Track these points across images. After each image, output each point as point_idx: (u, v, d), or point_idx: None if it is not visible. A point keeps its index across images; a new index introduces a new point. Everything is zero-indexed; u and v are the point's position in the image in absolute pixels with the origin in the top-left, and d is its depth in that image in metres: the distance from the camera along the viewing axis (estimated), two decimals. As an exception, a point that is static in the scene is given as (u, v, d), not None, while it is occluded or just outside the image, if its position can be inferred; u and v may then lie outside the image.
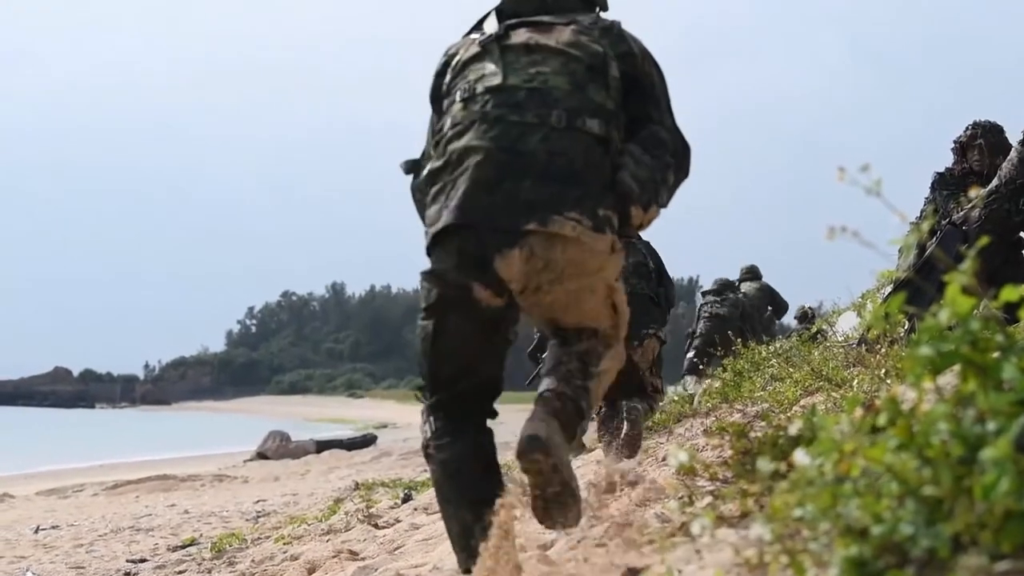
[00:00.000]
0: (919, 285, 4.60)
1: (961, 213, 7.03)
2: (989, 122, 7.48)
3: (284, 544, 9.11)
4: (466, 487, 3.62)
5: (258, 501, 17.57)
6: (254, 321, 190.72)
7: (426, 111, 3.94)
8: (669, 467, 5.11)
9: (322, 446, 36.27)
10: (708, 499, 2.88)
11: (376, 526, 8.63)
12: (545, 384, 3.56)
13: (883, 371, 5.22)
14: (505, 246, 3.36)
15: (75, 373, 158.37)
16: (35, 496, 24.05)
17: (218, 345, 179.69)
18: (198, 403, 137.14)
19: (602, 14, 3.91)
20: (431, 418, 3.72)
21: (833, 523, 1.66)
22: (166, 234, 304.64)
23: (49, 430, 69.49)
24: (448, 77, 3.80)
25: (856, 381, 5.46)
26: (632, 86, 3.70)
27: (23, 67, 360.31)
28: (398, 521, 8.64)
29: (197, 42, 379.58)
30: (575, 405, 3.47)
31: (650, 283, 8.36)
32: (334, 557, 7.04)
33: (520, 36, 3.71)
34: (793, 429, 2.17)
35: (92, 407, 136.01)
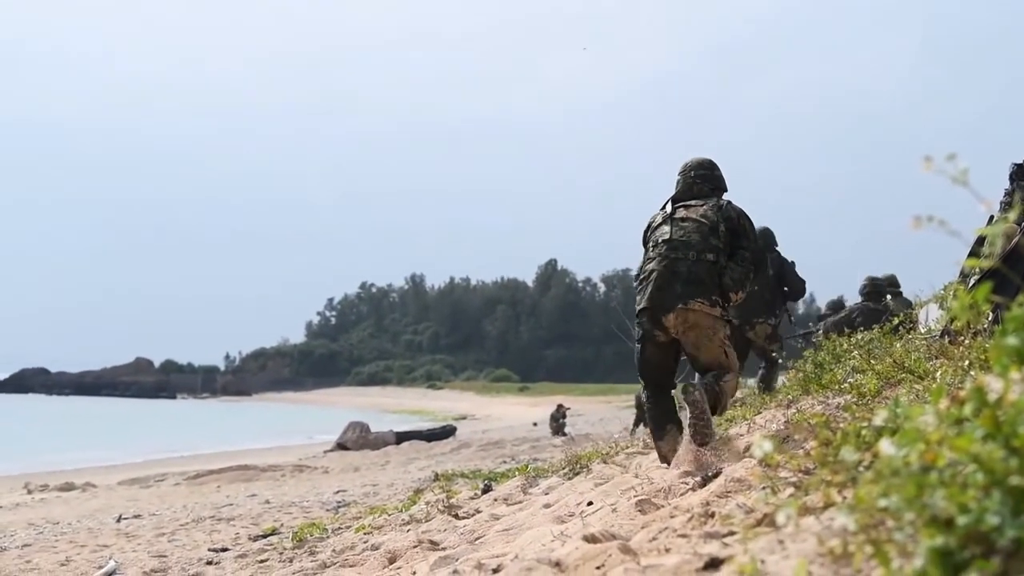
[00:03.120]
0: (1005, 275, 4.55)
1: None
2: None
3: (365, 534, 9.17)
4: (661, 423, 7.54)
5: (338, 491, 17.67)
6: (334, 313, 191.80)
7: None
8: (751, 458, 5.09)
9: (402, 437, 36.35)
10: (791, 490, 2.87)
11: (456, 516, 8.65)
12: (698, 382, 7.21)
13: (967, 363, 5.17)
14: (668, 312, 7.34)
15: (156, 364, 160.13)
16: (117, 486, 24.39)
17: (298, 336, 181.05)
18: (278, 394, 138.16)
19: (724, 196, 7.87)
20: (645, 391, 7.82)
21: (918, 513, 1.65)
22: (245, 229, 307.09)
23: (131, 421, 70.37)
24: (648, 233, 7.78)
25: (939, 373, 5.40)
26: (733, 234, 7.55)
27: (98, 64, 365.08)
28: (478, 512, 8.67)
29: (265, 38, 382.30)
30: (714, 391, 7.21)
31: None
32: (415, 547, 7.07)
33: (680, 212, 7.65)
34: (878, 419, 2.16)
35: (173, 398, 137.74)
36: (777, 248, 13.47)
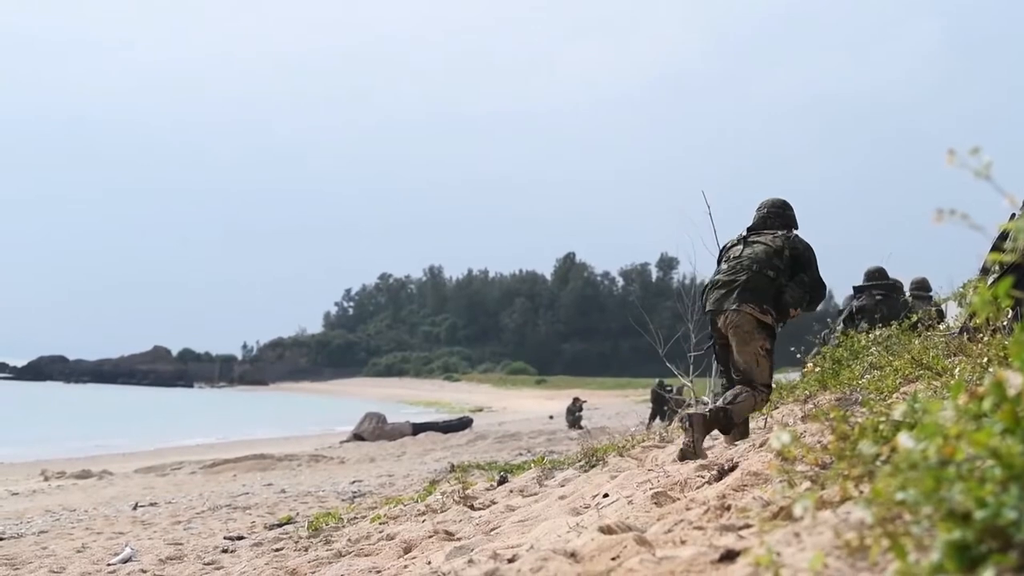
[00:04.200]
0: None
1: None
2: None
3: (380, 524, 9.18)
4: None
5: (354, 481, 17.72)
6: (352, 303, 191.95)
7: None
8: (768, 452, 5.09)
9: (418, 428, 36.39)
10: (808, 484, 2.87)
11: (472, 507, 8.66)
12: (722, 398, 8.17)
13: (985, 360, 5.15)
14: (721, 315, 8.34)
15: (174, 353, 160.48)
16: (134, 473, 24.47)
17: (316, 327, 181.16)
18: (295, 384, 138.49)
19: (793, 231, 8.79)
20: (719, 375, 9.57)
21: (936, 507, 1.65)
22: (265, 219, 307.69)
23: (148, 409, 70.52)
24: (722, 252, 8.85)
25: (958, 369, 5.39)
26: (796, 260, 8.46)
27: (121, 54, 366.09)
28: (494, 503, 8.67)
29: (289, 31, 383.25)
30: (719, 417, 7.81)
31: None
32: (430, 537, 7.07)
33: (752, 237, 8.65)
34: (897, 413, 2.16)
35: (191, 386, 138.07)
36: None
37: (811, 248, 8.62)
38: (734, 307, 8.21)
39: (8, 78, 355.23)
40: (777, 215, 8.87)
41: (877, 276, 13.71)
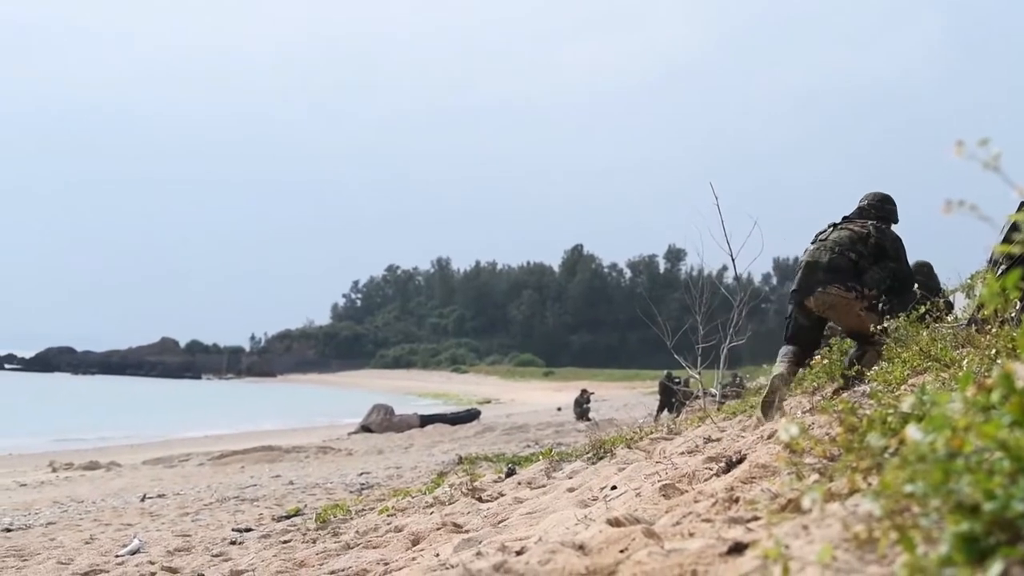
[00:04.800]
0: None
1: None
2: None
3: (388, 516, 9.19)
4: (780, 385, 8.39)
5: (362, 473, 17.76)
6: (359, 295, 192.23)
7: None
8: (776, 444, 5.09)
9: (426, 420, 36.44)
10: (816, 476, 2.87)
11: (480, 499, 8.67)
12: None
13: (993, 351, 5.14)
14: (809, 295, 8.57)
15: (182, 344, 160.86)
16: (142, 465, 24.55)
17: (323, 318, 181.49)
18: (303, 375, 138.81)
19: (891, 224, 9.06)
20: (789, 350, 8.73)
21: (944, 499, 1.65)
22: (272, 210, 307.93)
23: (156, 401, 70.62)
24: (815, 236, 8.93)
25: (966, 361, 5.37)
26: (881, 250, 8.64)
27: (122, 46, 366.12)
28: (502, 495, 8.68)
29: (293, 21, 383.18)
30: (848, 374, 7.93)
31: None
32: (438, 529, 7.09)
33: (842, 224, 8.88)
34: (905, 405, 2.16)
35: (198, 378, 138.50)
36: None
37: (900, 241, 8.88)
38: (820, 289, 8.56)
39: (11, 69, 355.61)
40: (875, 208, 9.13)
41: None
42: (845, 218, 9.13)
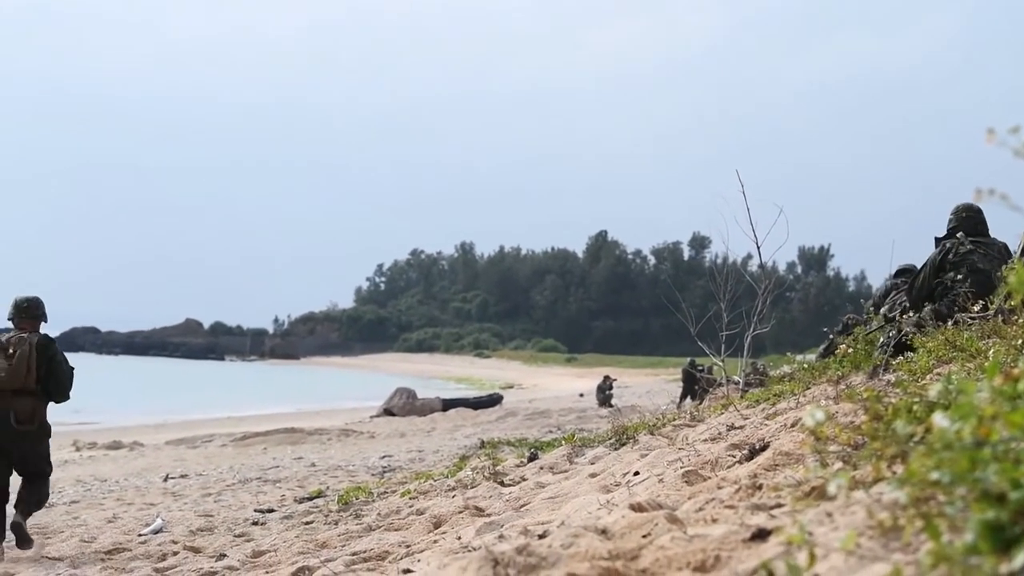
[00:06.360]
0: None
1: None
2: None
3: (410, 499, 9.21)
4: None
5: (384, 456, 17.79)
6: (383, 278, 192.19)
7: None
8: (799, 432, 5.08)
9: (448, 404, 36.47)
10: (840, 464, 2.86)
11: (502, 483, 8.67)
12: None
13: (1020, 341, 5.12)
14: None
15: (205, 326, 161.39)
16: (165, 445, 24.65)
17: (347, 301, 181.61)
18: (326, 358, 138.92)
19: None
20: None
21: (970, 488, 1.65)
22: (296, 193, 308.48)
23: (179, 381, 70.80)
24: (952, 255, 9.51)
25: (992, 351, 5.35)
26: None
27: (149, 28, 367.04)
28: (524, 479, 8.68)
29: (318, 8, 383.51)
30: None
31: None
32: (460, 512, 7.10)
33: (981, 243, 9.52)
34: (932, 393, 2.15)
35: (222, 359, 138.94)
36: None
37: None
38: None
39: (37, 52, 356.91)
40: (983, 222, 9.99)
41: (907, 272, 13.72)
42: (968, 233, 9.75)
